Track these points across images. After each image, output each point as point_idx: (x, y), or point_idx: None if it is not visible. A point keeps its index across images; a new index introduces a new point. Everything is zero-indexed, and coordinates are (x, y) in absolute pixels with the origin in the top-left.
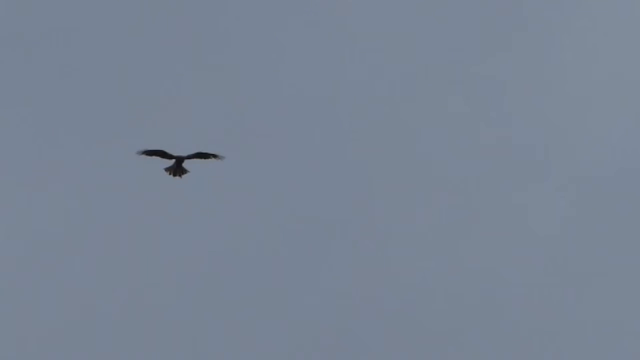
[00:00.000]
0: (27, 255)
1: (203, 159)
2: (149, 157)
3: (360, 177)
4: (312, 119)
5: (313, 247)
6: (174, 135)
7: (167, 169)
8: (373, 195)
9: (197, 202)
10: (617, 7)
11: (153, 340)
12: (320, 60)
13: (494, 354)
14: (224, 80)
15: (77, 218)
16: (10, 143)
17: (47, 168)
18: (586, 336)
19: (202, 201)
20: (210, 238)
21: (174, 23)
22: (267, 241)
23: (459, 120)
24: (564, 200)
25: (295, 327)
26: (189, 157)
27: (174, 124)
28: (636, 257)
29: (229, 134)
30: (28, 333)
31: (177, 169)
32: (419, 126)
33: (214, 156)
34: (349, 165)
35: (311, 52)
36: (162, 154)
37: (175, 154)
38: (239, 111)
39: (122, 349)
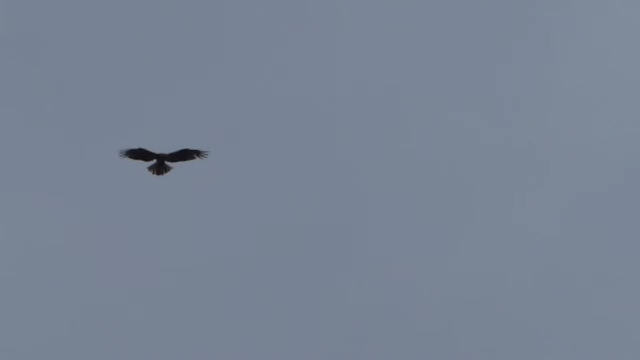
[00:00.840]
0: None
1: (187, 160)
2: (133, 160)
3: (360, 179)
4: (308, 120)
5: (308, 249)
6: (161, 135)
7: (149, 168)
8: (372, 197)
9: (186, 202)
10: (616, 10)
11: (155, 341)
12: (316, 62)
13: (491, 355)
14: (213, 80)
15: (66, 219)
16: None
17: (39, 168)
18: (584, 337)
19: (192, 200)
20: (205, 238)
21: (168, 23)
22: (258, 242)
23: (459, 122)
24: (564, 202)
25: (294, 329)
26: (172, 155)
27: (160, 123)
28: (636, 257)
29: (218, 134)
30: (30, 336)
31: (160, 167)
32: (419, 127)
33: (197, 154)
34: (348, 165)
35: (307, 52)
36: (144, 153)
37: (157, 152)
38: (229, 111)
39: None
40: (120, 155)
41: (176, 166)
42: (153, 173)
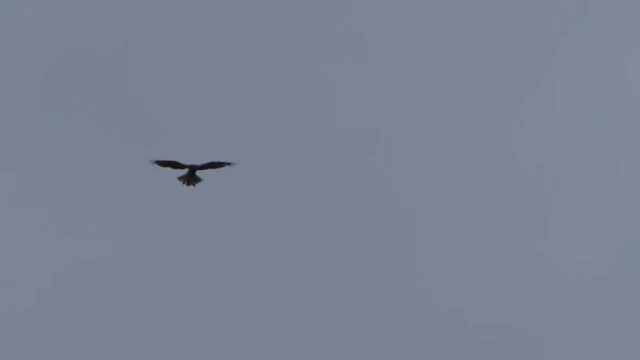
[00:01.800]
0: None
1: (216, 169)
2: (161, 167)
3: (377, 200)
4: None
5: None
6: (182, 146)
7: (180, 178)
8: (390, 225)
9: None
10: (629, 22)
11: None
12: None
13: None
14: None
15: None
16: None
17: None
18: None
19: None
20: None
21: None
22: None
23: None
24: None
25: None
26: (202, 166)
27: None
28: None
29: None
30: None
31: (191, 178)
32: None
33: (227, 164)
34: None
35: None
36: (174, 164)
37: (187, 163)
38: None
39: None
40: (151, 163)
41: (206, 177)
42: (183, 183)
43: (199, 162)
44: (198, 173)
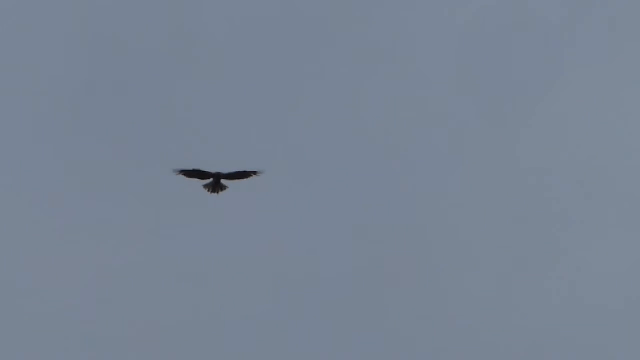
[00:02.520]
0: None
1: (243, 179)
2: (187, 178)
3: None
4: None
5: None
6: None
7: (205, 186)
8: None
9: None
10: None
11: None
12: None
13: None
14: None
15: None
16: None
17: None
18: None
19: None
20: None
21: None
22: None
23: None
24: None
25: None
26: (228, 175)
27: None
28: None
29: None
30: None
31: (216, 186)
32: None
33: (254, 173)
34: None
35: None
36: (200, 174)
37: (212, 171)
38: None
39: None
40: (175, 173)
41: (232, 185)
42: (209, 191)
43: (224, 171)
44: (223, 181)
